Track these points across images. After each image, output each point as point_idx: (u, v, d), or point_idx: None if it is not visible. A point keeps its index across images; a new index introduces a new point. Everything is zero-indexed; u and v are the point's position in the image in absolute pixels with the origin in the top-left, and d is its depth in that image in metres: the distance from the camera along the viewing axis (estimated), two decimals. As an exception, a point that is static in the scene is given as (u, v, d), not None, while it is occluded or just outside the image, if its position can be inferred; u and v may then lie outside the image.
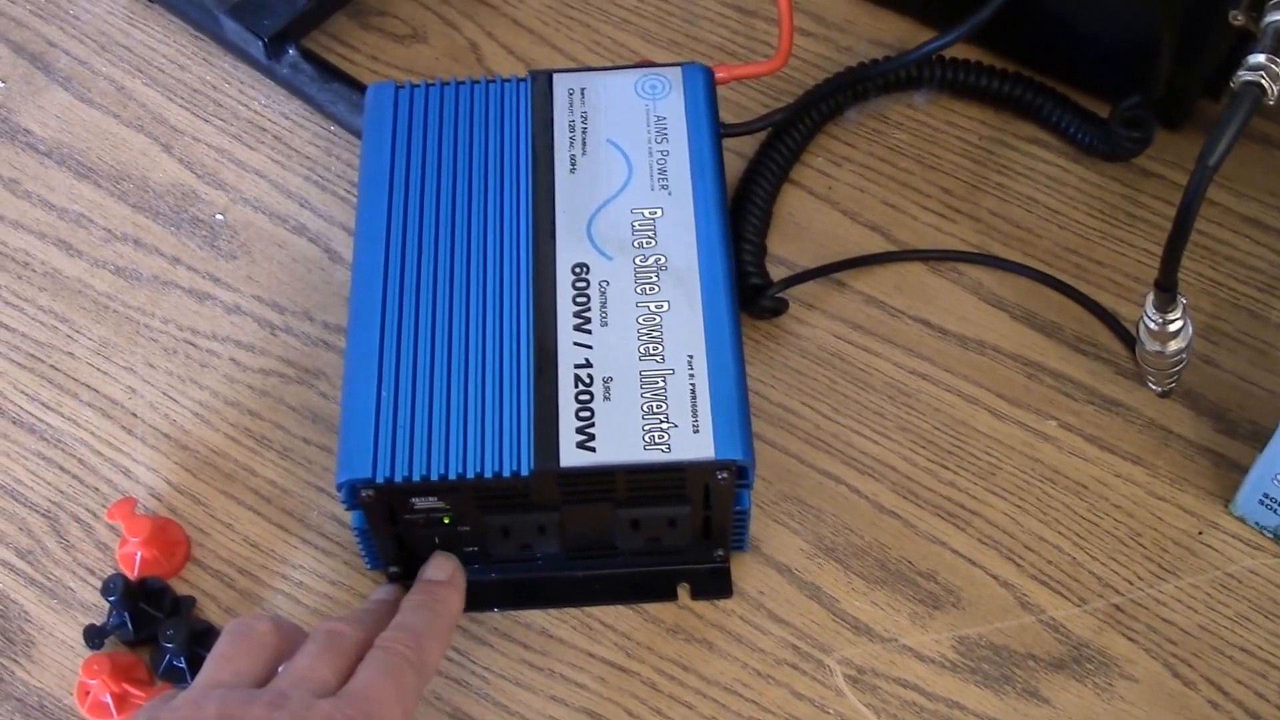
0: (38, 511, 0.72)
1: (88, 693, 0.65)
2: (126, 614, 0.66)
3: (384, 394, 0.62)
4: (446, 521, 0.64)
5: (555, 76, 0.74)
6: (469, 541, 0.65)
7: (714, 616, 0.68)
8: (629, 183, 0.69)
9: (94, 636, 0.67)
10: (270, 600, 0.69)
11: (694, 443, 0.61)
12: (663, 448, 0.61)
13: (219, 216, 0.81)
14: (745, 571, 0.69)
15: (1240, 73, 0.61)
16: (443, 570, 0.64)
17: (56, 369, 0.76)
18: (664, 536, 0.66)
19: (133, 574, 0.69)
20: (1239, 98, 0.60)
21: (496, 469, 0.60)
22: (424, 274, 0.67)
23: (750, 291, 0.75)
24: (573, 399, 0.62)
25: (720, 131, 0.73)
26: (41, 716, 0.66)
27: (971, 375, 0.75)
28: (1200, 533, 0.70)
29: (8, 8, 0.91)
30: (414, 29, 0.90)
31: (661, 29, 0.89)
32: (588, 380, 0.62)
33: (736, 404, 0.62)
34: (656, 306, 0.65)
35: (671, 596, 0.68)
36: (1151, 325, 0.67)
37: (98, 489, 0.72)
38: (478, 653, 0.67)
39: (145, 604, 0.67)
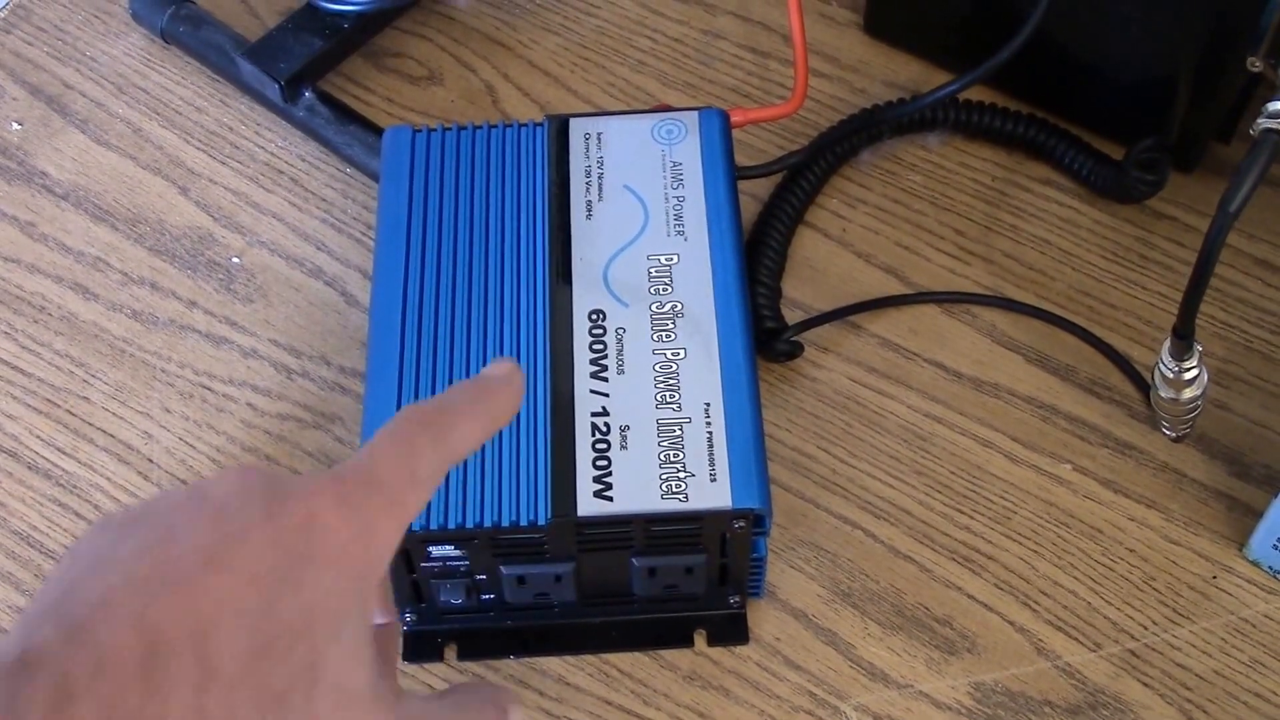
0: (53, 557, 0.72)
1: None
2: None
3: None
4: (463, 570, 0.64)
5: (571, 121, 0.74)
6: (486, 589, 0.65)
7: (730, 663, 0.68)
8: (645, 229, 0.69)
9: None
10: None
11: (711, 492, 0.61)
12: (680, 497, 0.61)
13: (235, 260, 0.82)
14: (761, 617, 0.69)
15: (1261, 120, 0.61)
16: (501, 368, 0.56)
17: (72, 414, 0.76)
18: (681, 584, 0.66)
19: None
20: (1259, 145, 0.60)
21: (513, 518, 0.60)
22: (441, 319, 0.67)
23: (765, 335, 0.75)
24: (590, 448, 0.62)
25: (736, 176, 0.73)
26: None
27: (986, 418, 0.75)
28: (1214, 577, 0.70)
29: (24, 49, 0.92)
30: (430, 71, 0.90)
31: (677, 71, 0.90)
32: (605, 429, 0.63)
33: (753, 452, 0.62)
34: (673, 354, 0.65)
35: (688, 643, 0.68)
36: (1167, 373, 0.67)
37: (115, 533, 0.72)
38: None
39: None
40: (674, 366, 0.64)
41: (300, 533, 0.46)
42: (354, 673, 0.47)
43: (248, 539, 0.45)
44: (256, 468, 0.48)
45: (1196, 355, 0.66)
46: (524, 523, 0.60)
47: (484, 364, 0.64)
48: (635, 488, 0.61)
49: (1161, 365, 0.67)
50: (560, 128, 0.74)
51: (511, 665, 0.68)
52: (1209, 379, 0.68)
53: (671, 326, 0.66)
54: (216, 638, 0.43)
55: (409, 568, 0.64)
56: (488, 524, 0.60)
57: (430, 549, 0.62)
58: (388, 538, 0.48)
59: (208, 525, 0.45)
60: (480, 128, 0.74)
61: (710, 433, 0.62)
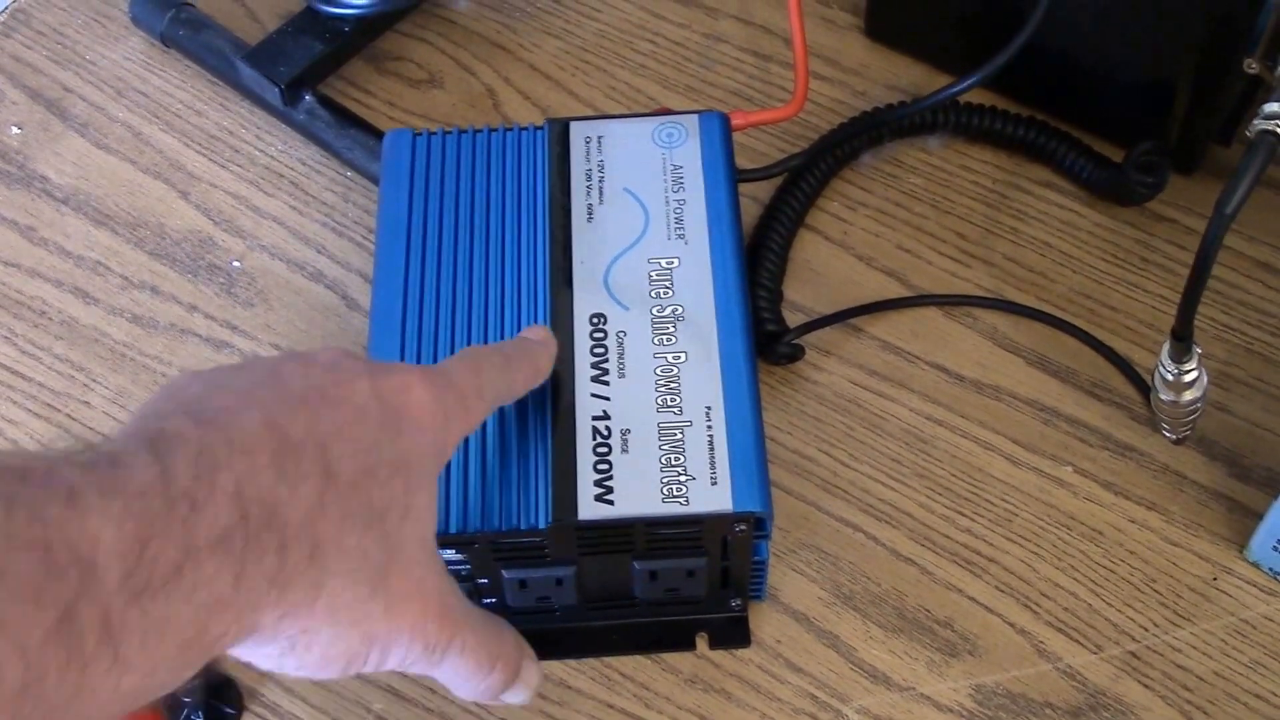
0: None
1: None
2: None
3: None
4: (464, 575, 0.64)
5: (572, 125, 0.74)
6: (487, 593, 0.65)
7: (732, 666, 0.68)
8: (646, 232, 0.69)
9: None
10: (289, 651, 0.69)
11: (712, 495, 0.61)
12: (681, 500, 0.61)
13: (236, 263, 0.82)
14: (763, 620, 0.69)
15: (1257, 122, 0.61)
16: (537, 331, 0.64)
17: (73, 418, 0.76)
18: (682, 587, 0.66)
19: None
20: (1255, 146, 0.60)
21: (514, 522, 0.61)
22: (441, 322, 0.67)
23: (766, 338, 0.76)
24: (590, 451, 0.62)
25: (737, 178, 0.73)
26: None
27: (987, 421, 0.75)
28: (1215, 579, 0.70)
29: (24, 53, 0.92)
30: (430, 74, 0.90)
31: (678, 74, 0.90)
32: (605, 432, 0.63)
33: (754, 455, 0.62)
34: (674, 357, 0.65)
35: (690, 646, 0.68)
36: (1167, 375, 0.67)
37: (116, 537, 0.72)
38: (495, 705, 0.67)
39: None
40: (675, 370, 0.64)
41: (398, 394, 0.52)
42: (431, 525, 0.53)
43: (356, 385, 0.52)
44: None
45: (1196, 358, 0.66)
46: (525, 527, 0.60)
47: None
48: (636, 491, 0.61)
49: (1161, 368, 0.67)
50: (561, 131, 0.74)
51: (513, 669, 0.68)
52: (1209, 381, 0.68)
53: (672, 330, 0.66)
54: (335, 449, 0.49)
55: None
56: (489, 528, 0.60)
57: (431, 553, 0.62)
58: (457, 430, 0.55)
59: (318, 372, 0.52)
60: (481, 131, 0.74)
61: (711, 436, 0.62)
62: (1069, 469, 0.73)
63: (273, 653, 0.49)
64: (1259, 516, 0.69)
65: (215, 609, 0.44)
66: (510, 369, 0.60)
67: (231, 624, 0.45)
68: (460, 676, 0.56)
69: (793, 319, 0.78)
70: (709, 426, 0.63)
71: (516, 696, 0.59)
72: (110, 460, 0.44)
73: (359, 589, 0.50)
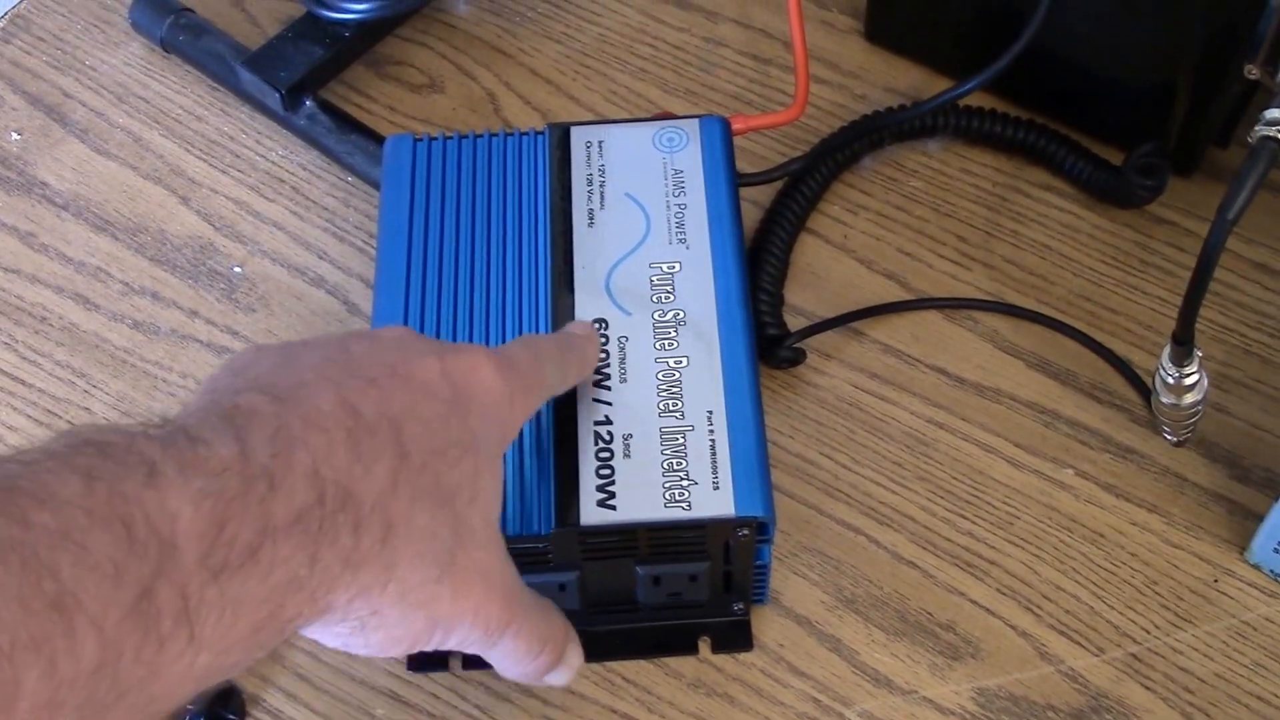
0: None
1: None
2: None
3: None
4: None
5: (573, 129, 0.74)
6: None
7: (735, 670, 0.68)
8: (647, 237, 0.70)
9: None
10: (292, 658, 0.68)
11: (714, 500, 0.61)
12: (683, 505, 0.61)
13: (237, 269, 0.82)
14: (765, 624, 0.69)
15: (1258, 128, 0.61)
16: (582, 326, 0.65)
17: (74, 425, 0.76)
18: (685, 591, 0.66)
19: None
20: (1256, 152, 0.60)
21: (517, 528, 0.61)
22: (443, 327, 0.67)
23: (768, 342, 0.76)
24: (593, 456, 0.62)
25: (737, 182, 0.73)
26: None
27: (988, 424, 0.75)
28: (1216, 580, 0.70)
29: (23, 59, 0.92)
30: (431, 79, 0.90)
31: (678, 78, 0.90)
32: (608, 438, 0.63)
33: (756, 460, 0.62)
34: (675, 362, 0.65)
35: (692, 650, 0.68)
36: (1167, 379, 0.67)
37: (119, 543, 0.72)
38: (499, 709, 0.67)
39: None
40: (676, 374, 0.65)
41: (466, 374, 0.53)
42: (496, 506, 0.54)
43: (425, 363, 0.52)
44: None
45: (1196, 361, 0.66)
46: (528, 533, 0.61)
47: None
48: (638, 496, 0.61)
49: (1161, 371, 0.67)
50: (561, 136, 0.74)
51: (516, 673, 0.68)
52: (1209, 383, 0.68)
53: (674, 334, 0.66)
54: (408, 429, 0.49)
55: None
56: (492, 533, 0.61)
57: (435, 558, 0.62)
58: (520, 415, 0.56)
59: (388, 348, 0.52)
60: (481, 136, 0.74)
61: (713, 440, 0.62)
62: (1070, 472, 0.73)
63: (342, 631, 0.50)
64: (1259, 518, 0.69)
65: (290, 590, 0.45)
66: (565, 359, 0.61)
67: (305, 605, 0.46)
68: (511, 659, 0.56)
69: (794, 323, 0.78)
70: (711, 431, 0.63)
71: (559, 678, 0.60)
72: (189, 436, 0.44)
73: (428, 570, 0.50)
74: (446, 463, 0.51)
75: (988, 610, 0.70)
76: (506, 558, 0.55)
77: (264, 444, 0.45)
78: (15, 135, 0.88)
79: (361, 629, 0.49)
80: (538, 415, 0.63)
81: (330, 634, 0.50)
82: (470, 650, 0.55)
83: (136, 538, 0.40)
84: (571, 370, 0.61)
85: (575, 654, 0.60)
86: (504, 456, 0.56)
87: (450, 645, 0.53)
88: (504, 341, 0.66)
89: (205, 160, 0.87)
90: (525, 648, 0.56)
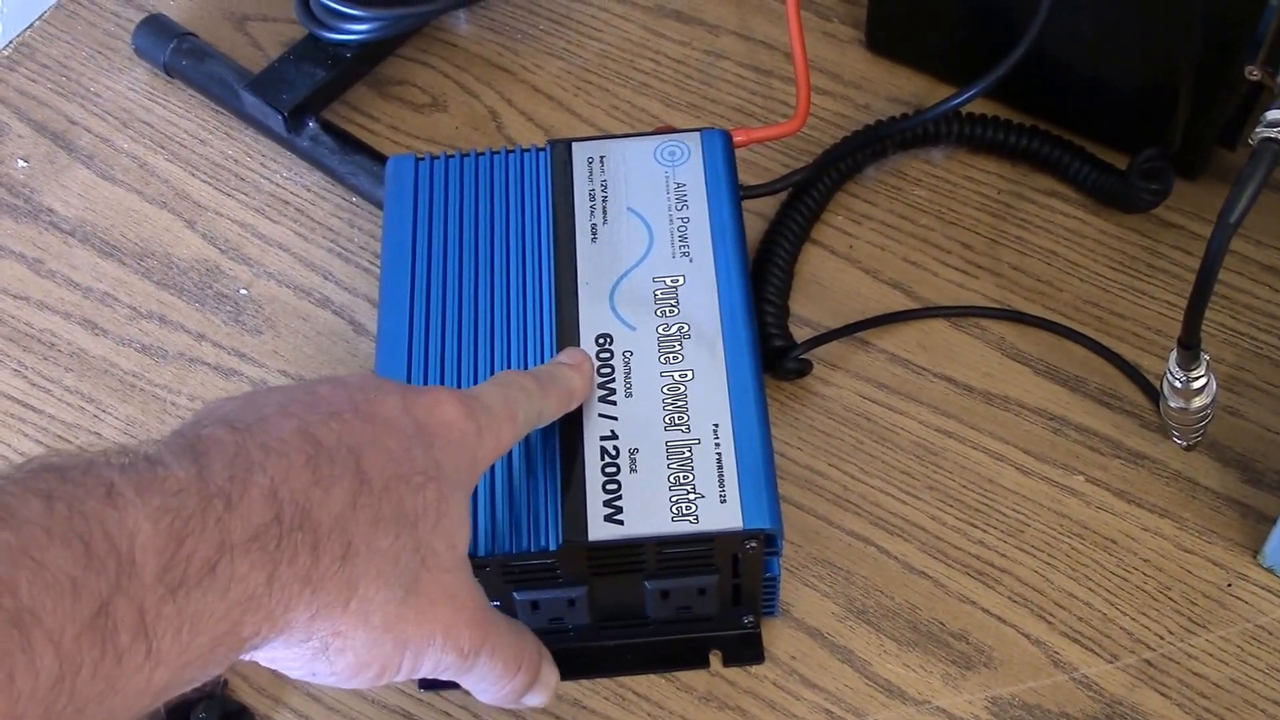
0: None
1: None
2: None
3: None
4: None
5: (574, 145, 0.74)
6: (500, 615, 0.65)
7: (746, 683, 0.68)
8: (650, 251, 0.70)
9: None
10: (303, 678, 0.69)
11: (721, 513, 0.61)
12: (690, 519, 0.61)
13: (243, 291, 0.82)
14: (776, 636, 0.69)
15: (1259, 130, 0.61)
16: (572, 355, 0.65)
17: (84, 451, 0.76)
18: (694, 605, 0.66)
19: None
20: (1258, 155, 0.60)
21: (524, 545, 0.61)
22: (448, 345, 0.67)
23: (774, 353, 0.75)
24: (599, 471, 0.62)
25: (740, 195, 0.73)
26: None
27: (997, 432, 0.75)
28: (1229, 585, 0.70)
29: (29, 86, 0.92)
30: (433, 98, 0.90)
31: (680, 92, 0.90)
32: (614, 452, 0.63)
33: (763, 472, 0.62)
34: (681, 376, 0.65)
35: (703, 664, 0.68)
36: (1175, 383, 0.67)
37: (129, 568, 0.72)
38: (518, 708, 0.67)
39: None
40: (682, 388, 0.64)
41: (429, 410, 0.54)
42: (463, 534, 0.54)
43: (388, 400, 0.53)
44: None
45: (1204, 364, 0.66)
46: (535, 549, 0.61)
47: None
48: (646, 510, 0.61)
49: (1170, 375, 0.67)
50: (563, 152, 0.74)
51: (527, 690, 0.68)
52: (1219, 386, 0.68)
53: (679, 348, 0.66)
54: (368, 458, 0.50)
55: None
56: (500, 551, 0.61)
57: (443, 577, 0.62)
58: (489, 450, 0.56)
59: (351, 389, 0.53)
60: (483, 154, 0.74)
61: (720, 453, 0.62)
62: (1080, 478, 0.73)
63: (305, 655, 0.50)
64: (1272, 521, 0.69)
65: (249, 606, 0.45)
66: (543, 393, 0.60)
67: (264, 622, 0.46)
68: (488, 680, 0.56)
69: (800, 334, 0.78)
70: (717, 444, 0.63)
71: (537, 698, 0.60)
72: (148, 460, 0.45)
73: (392, 590, 0.50)
74: (409, 489, 0.51)
75: (1000, 619, 0.69)
76: (474, 582, 0.55)
77: (222, 467, 0.46)
78: (21, 162, 0.88)
79: (325, 650, 0.50)
80: (543, 431, 0.63)
81: (292, 658, 0.50)
82: (446, 676, 0.55)
83: (95, 554, 0.41)
84: (551, 403, 0.61)
85: (551, 672, 0.60)
86: (474, 489, 0.56)
87: (424, 672, 0.53)
88: (509, 357, 0.66)
89: (210, 183, 0.87)
90: (501, 668, 0.56)
